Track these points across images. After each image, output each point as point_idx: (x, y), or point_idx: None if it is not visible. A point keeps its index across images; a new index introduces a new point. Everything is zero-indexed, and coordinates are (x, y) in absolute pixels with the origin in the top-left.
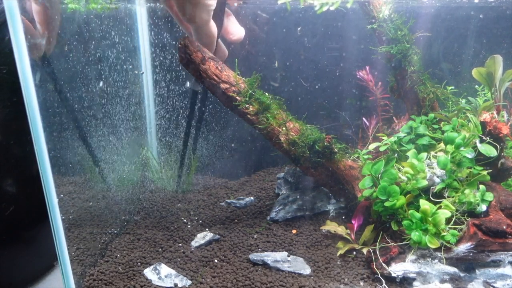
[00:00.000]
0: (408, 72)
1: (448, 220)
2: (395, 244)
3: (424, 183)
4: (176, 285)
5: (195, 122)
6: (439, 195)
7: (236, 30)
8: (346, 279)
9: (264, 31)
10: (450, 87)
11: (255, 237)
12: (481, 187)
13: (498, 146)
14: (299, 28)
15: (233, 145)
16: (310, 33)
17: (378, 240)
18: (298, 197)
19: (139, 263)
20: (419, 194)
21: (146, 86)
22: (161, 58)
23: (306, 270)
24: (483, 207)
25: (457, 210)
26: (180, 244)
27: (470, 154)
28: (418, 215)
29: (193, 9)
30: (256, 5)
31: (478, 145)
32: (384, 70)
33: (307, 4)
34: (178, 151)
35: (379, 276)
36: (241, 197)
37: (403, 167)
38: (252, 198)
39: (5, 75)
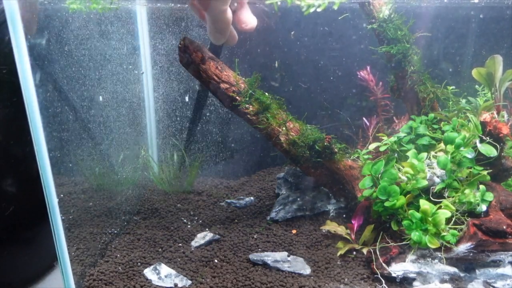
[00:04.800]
0: (408, 72)
1: (448, 220)
2: (395, 244)
3: (424, 183)
4: (176, 285)
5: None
6: (439, 195)
7: (248, 19)
8: (346, 279)
9: (269, 29)
10: (450, 87)
11: (255, 237)
12: (481, 187)
13: (498, 146)
14: (292, 32)
15: (233, 145)
16: (310, 32)
17: (378, 240)
18: (298, 197)
19: (139, 263)
20: (419, 194)
21: (146, 86)
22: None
23: (306, 270)
24: (483, 207)
25: (457, 210)
26: (180, 244)
27: (470, 154)
28: (418, 215)
29: None
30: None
31: (478, 145)
32: (384, 70)
33: (299, 4)
34: (178, 150)
35: (379, 276)
36: (241, 197)
37: (403, 167)
38: (252, 198)
39: (5, 75)
